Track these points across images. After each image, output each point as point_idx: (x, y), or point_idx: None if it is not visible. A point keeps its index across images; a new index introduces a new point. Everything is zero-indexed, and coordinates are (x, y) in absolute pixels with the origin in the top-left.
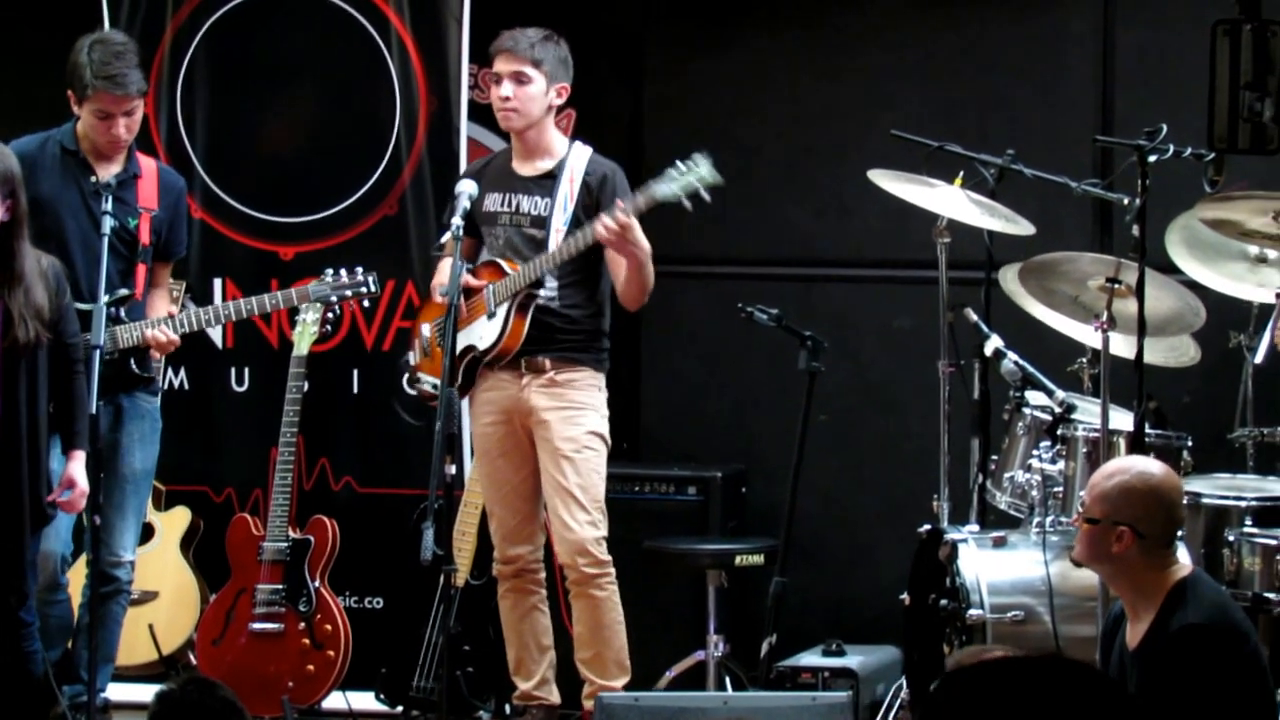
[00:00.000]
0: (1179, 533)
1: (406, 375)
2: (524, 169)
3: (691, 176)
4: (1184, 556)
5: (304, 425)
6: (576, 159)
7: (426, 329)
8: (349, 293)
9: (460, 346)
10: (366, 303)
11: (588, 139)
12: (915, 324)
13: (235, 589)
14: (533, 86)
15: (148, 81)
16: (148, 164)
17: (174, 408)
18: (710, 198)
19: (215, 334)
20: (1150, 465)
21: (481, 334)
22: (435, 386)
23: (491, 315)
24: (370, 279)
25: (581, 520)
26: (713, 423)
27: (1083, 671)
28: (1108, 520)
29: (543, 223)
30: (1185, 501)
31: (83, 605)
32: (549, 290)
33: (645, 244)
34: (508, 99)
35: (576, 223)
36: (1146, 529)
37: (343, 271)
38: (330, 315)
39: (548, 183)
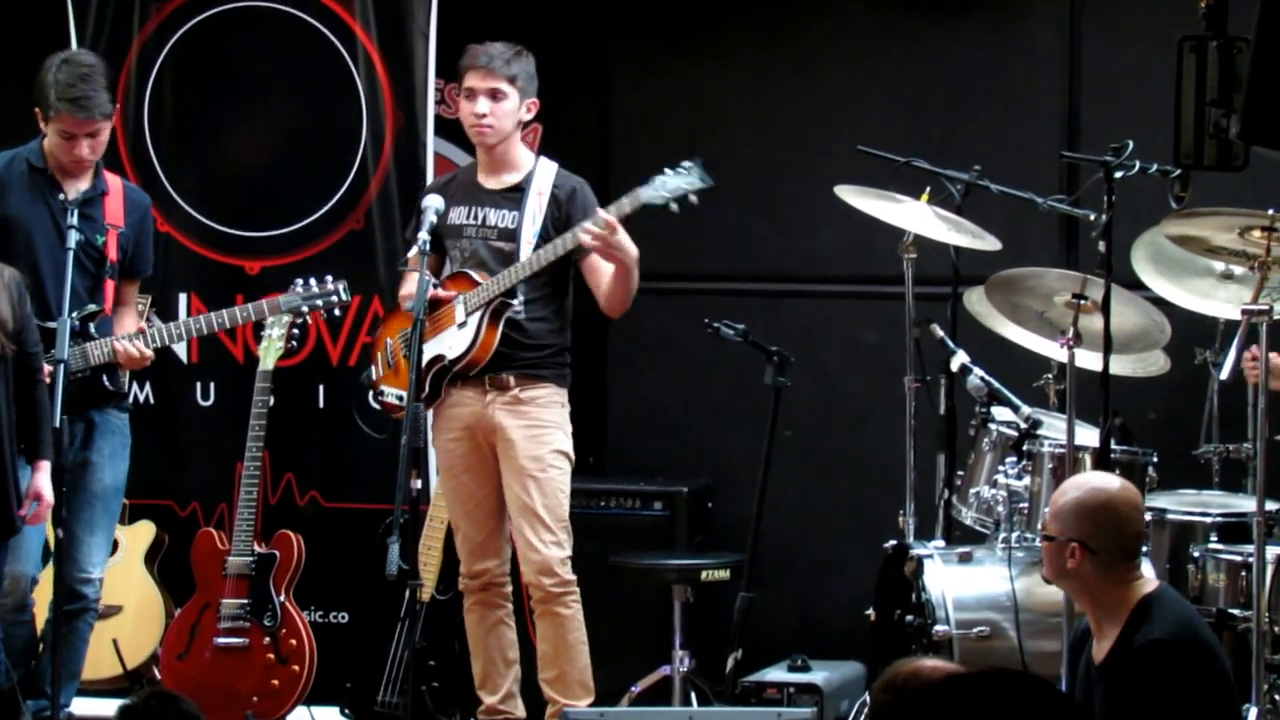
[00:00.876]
0: (1143, 548)
1: (370, 389)
2: (490, 183)
3: (681, 180)
4: (1149, 572)
5: (269, 440)
6: (543, 173)
7: (391, 342)
8: (320, 302)
9: (428, 356)
10: (337, 311)
11: (555, 154)
12: (881, 339)
13: (200, 603)
14: (507, 103)
15: (114, 103)
16: (114, 181)
17: (139, 422)
18: (698, 201)
19: (180, 349)
20: (1104, 481)
21: (451, 343)
22: (401, 399)
23: (462, 324)
24: (340, 287)
25: (547, 540)
26: (679, 438)
27: (1029, 684)
28: (1062, 537)
29: (511, 235)
30: (1150, 517)
31: (48, 620)
32: (516, 304)
33: (632, 248)
34: (484, 115)
35: (546, 236)
36: (1097, 544)
37: (313, 280)
38: (295, 330)
39: (515, 196)
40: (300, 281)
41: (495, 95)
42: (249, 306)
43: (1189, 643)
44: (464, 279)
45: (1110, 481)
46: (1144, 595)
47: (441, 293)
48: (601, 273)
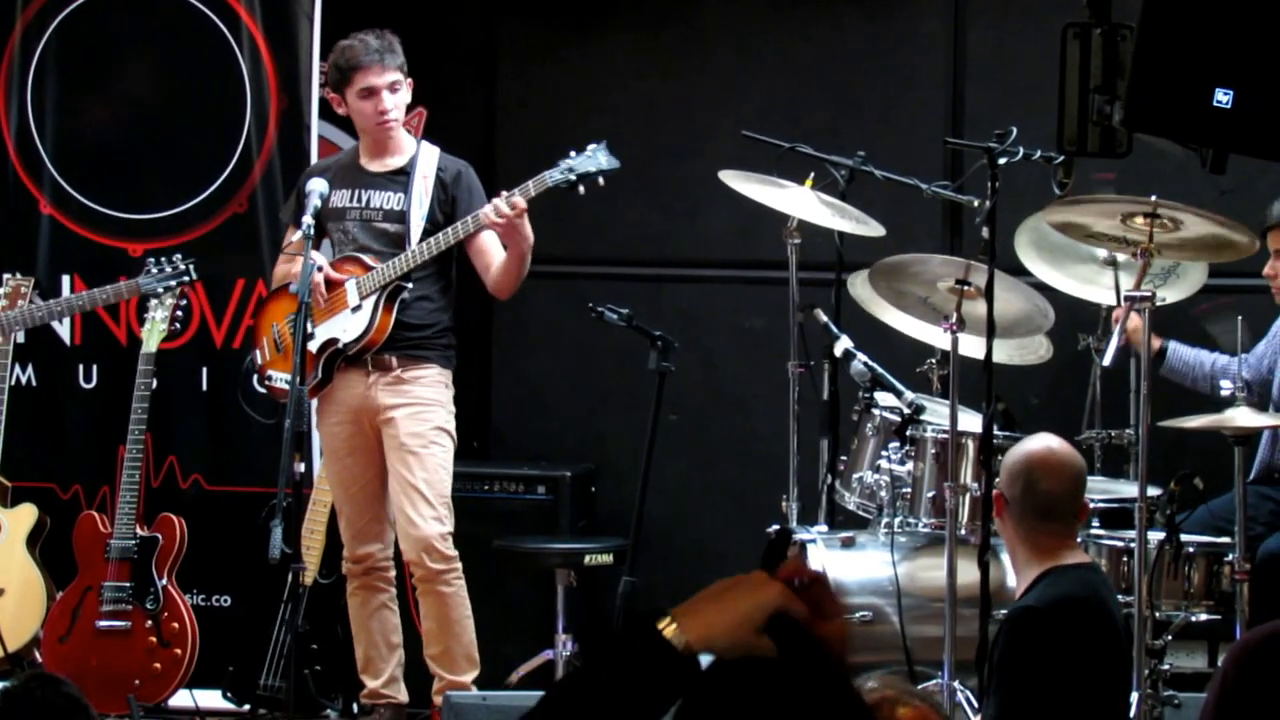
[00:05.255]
0: (1071, 513)
1: (255, 374)
2: (373, 165)
3: (588, 163)
4: (1080, 553)
5: (152, 422)
6: (426, 156)
7: (278, 326)
8: (173, 283)
9: (321, 340)
10: (188, 280)
11: (440, 138)
12: (765, 324)
13: (82, 586)
14: (403, 92)
15: None
16: None
17: (21, 404)
18: (604, 183)
19: (63, 331)
20: (1036, 441)
21: (345, 326)
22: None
23: (357, 308)
24: (189, 266)
25: (427, 516)
26: (563, 422)
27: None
28: (997, 488)
29: (400, 217)
30: None
31: None
32: (410, 286)
33: (530, 233)
34: (389, 111)
35: (433, 219)
36: (1010, 495)
37: (163, 261)
38: (179, 312)
39: (401, 179)
40: (152, 262)
41: (394, 88)
42: (108, 289)
43: (1056, 615)
44: (354, 262)
45: (1040, 441)
46: (1055, 565)
47: (334, 274)
48: (491, 254)
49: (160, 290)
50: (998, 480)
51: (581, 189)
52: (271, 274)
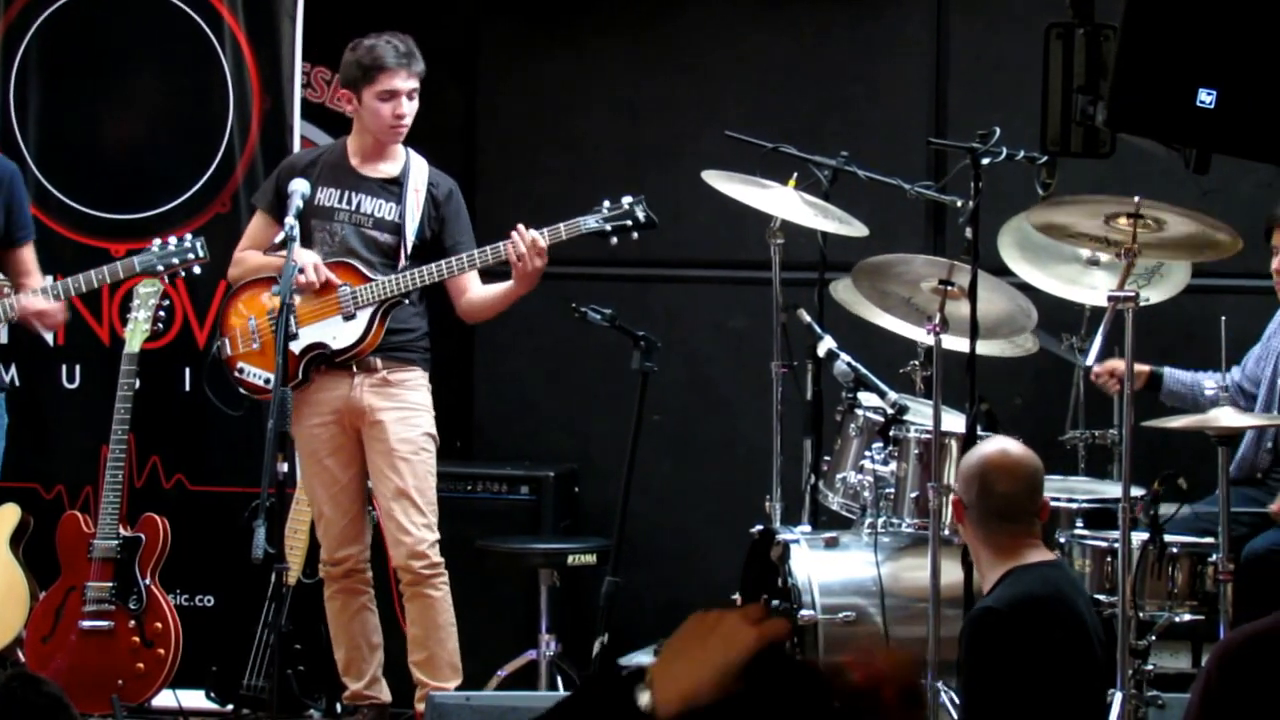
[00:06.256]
0: (1032, 515)
1: (223, 364)
2: (365, 169)
3: (625, 216)
4: (1042, 551)
5: (135, 423)
6: (417, 168)
7: (256, 321)
8: (175, 259)
9: (306, 342)
10: (196, 269)
11: (421, 140)
12: (748, 325)
13: (65, 587)
14: (416, 100)
15: None
16: None
17: (4, 404)
18: (638, 236)
19: (45, 333)
20: (992, 444)
21: (335, 334)
22: (266, 380)
23: (350, 317)
24: (198, 244)
25: (419, 523)
26: (546, 422)
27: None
28: (955, 494)
29: (395, 228)
30: None
31: None
32: (407, 302)
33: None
34: (405, 116)
35: (422, 234)
36: (966, 498)
37: (171, 239)
38: (162, 312)
39: (394, 189)
40: (157, 241)
41: (412, 95)
42: (104, 269)
43: (1016, 615)
44: (349, 269)
45: (995, 444)
46: (1018, 565)
47: (332, 277)
48: (466, 280)
49: (161, 268)
50: (955, 486)
51: (614, 240)
52: (235, 259)
